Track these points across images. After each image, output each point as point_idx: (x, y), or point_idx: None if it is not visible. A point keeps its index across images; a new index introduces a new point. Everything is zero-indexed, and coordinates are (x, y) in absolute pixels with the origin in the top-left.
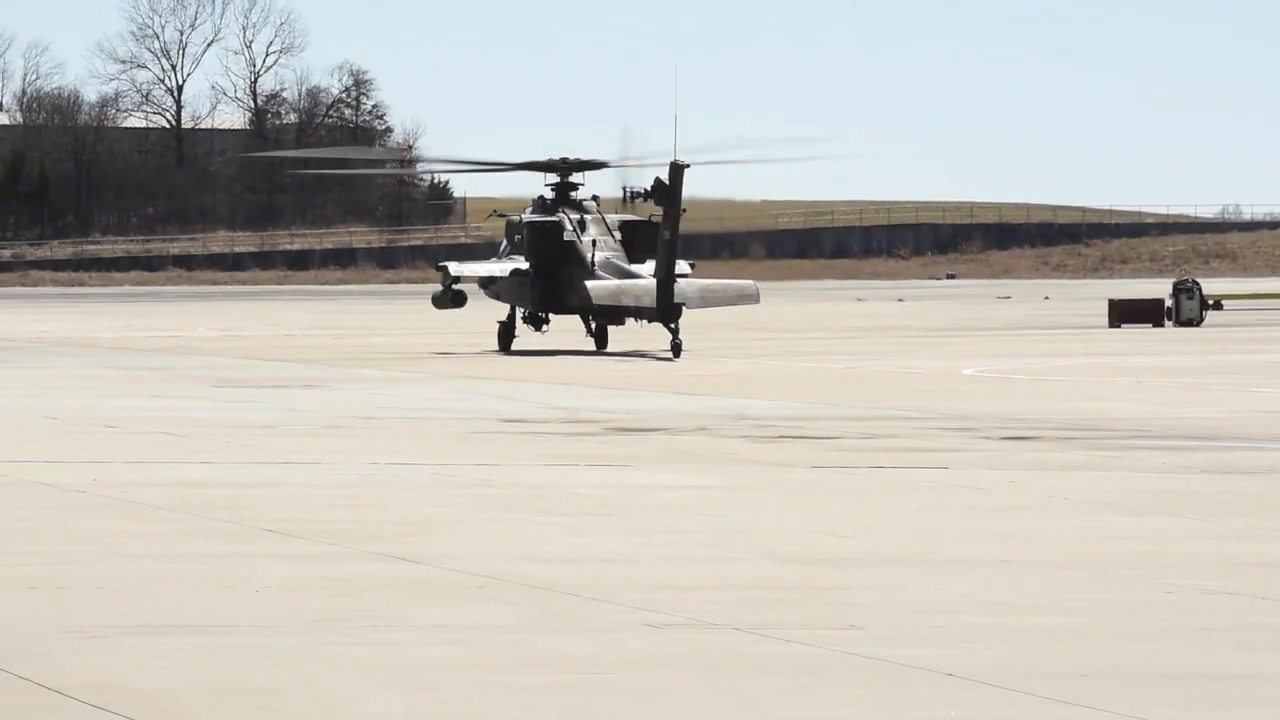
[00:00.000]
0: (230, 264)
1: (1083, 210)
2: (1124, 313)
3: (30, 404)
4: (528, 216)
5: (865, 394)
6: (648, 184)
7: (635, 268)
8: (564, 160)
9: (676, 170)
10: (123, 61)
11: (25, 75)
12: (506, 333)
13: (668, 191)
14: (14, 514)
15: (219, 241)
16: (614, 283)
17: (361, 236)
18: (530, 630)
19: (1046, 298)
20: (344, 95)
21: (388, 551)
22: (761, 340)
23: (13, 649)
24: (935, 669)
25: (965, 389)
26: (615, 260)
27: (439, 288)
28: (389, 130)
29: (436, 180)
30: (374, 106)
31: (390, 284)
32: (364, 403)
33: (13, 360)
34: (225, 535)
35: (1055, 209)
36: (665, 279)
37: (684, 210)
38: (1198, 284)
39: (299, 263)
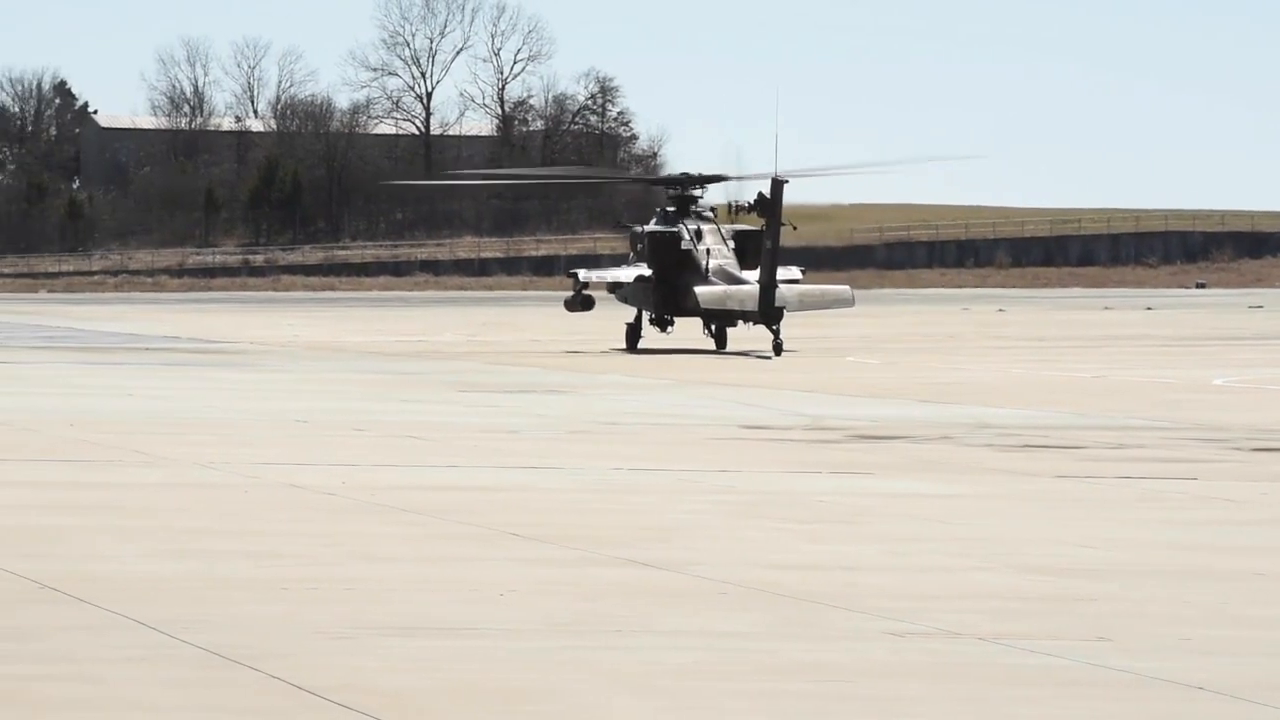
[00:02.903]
0: (477, 269)
1: None
2: None
3: (281, 407)
4: (650, 227)
5: (1113, 403)
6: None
7: (745, 274)
8: (685, 175)
9: (777, 185)
10: (374, 69)
11: (280, 83)
12: (633, 333)
13: (769, 204)
14: (267, 515)
15: (465, 247)
16: (721, 288)
17: (606, 243)
18: (773, 638)
19: None
20: (590, 102)
21: (632, 557)
22: (1007, 347)
23: (266, 649)
24: (1185, 682)
25: (1217, 399)
26: (727, 267)
27: (570, 293)
28: (634, 137)
29: None
30: (620, 114)
31: None
32: (608, 408)
33: (265, 363)
34: (471, 538)
35: None
36: (767, 284)
37: (791, 225)
38: None
39: (544, 269)
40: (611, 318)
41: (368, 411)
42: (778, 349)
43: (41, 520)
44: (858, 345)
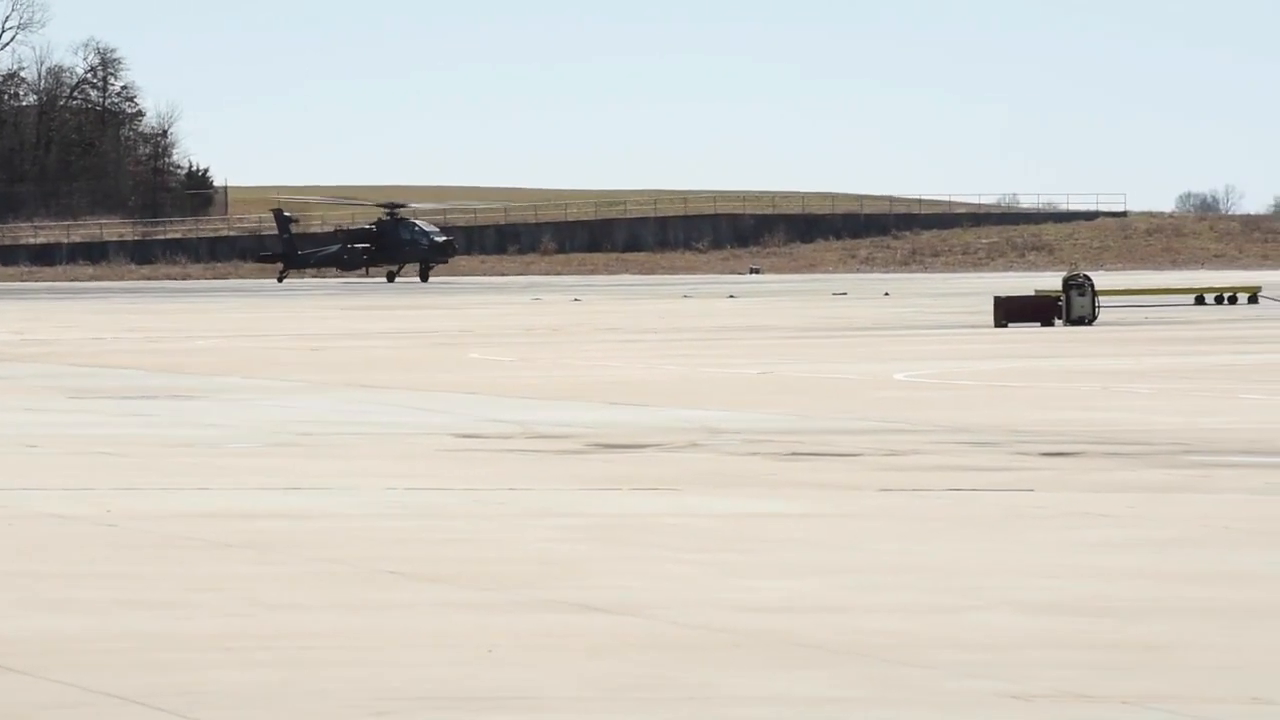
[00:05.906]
0: None
1: (890, 200)
2: (1011, 310)
3: None
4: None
5: (814, 403)
6: None
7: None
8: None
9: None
10: None
11: None
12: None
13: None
14: (84, 554)
15: None
16: None
17: (113, 229)
18: (881, 705)
19: (886, 294)
20: (89, 75)
21: (566, 599)
22: (632, 341)
23: None
24: None
25: (921, 396)
26: None
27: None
28: (140, 114)
29: (195, 167)
30: (124, 88)
31: (148, 280)
32: (276, 416)
33: None
34: (358, 580)
35: (861, 198)
36: None
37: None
38: (1089, 279)
39: (44, 257)
40: (186, 311)
41: (9, 424)
42: None
43: None
44: (460, 340)
